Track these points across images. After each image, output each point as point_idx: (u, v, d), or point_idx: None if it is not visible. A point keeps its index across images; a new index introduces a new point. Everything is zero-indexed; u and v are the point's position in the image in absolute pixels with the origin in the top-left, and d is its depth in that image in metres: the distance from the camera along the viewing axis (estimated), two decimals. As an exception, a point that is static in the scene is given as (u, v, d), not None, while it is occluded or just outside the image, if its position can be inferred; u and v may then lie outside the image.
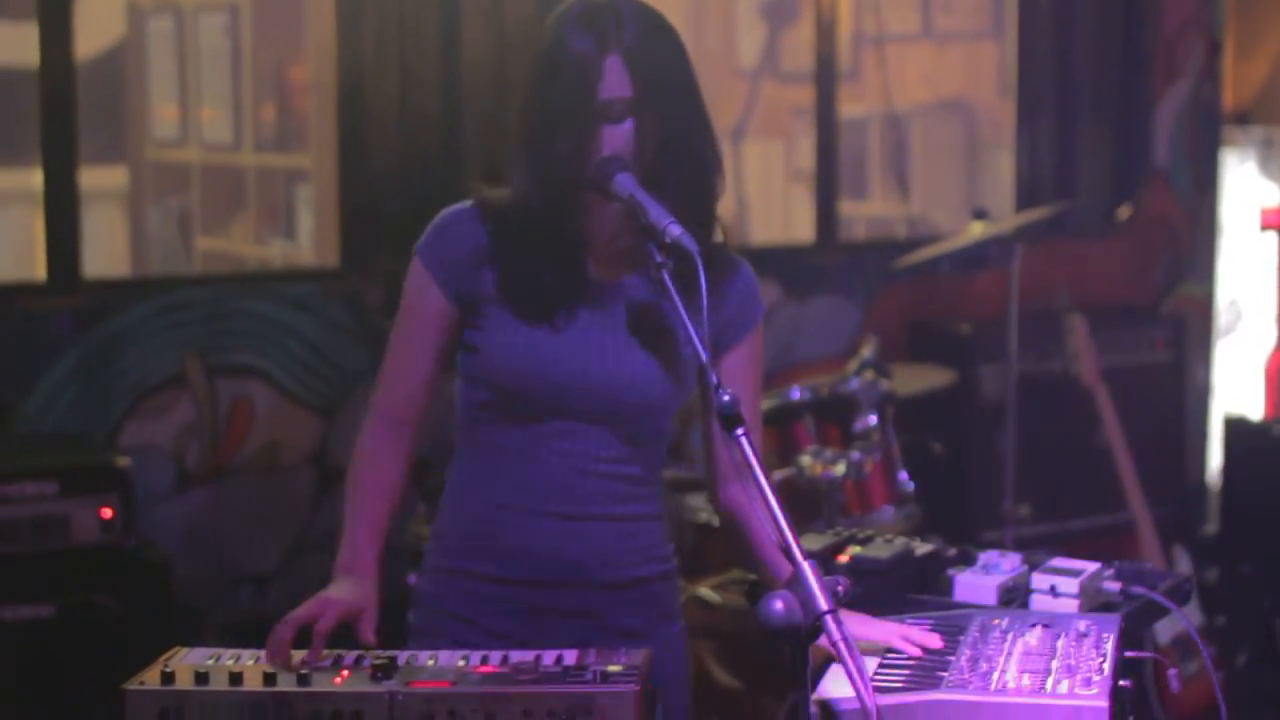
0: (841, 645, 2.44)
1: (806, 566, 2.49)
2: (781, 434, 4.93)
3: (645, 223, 2.78)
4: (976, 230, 5.62)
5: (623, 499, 3.05)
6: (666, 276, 2.76)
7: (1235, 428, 6.94)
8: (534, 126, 2.93)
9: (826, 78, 6.79)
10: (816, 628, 2.47)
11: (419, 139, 5.69)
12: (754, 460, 2.57)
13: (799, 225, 7.36)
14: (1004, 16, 7.65)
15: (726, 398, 2.60)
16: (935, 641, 2.89)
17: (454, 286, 3.02)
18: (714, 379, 2.65)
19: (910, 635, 2.90)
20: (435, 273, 3.03)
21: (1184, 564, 5.97)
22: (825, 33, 6.75)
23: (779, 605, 2.47)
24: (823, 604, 2.46)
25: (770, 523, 2.56)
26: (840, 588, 2.51)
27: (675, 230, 2.74)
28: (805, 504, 4.76)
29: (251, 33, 7.21)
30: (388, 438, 3.08)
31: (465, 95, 5.71)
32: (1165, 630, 5.39)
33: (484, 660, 2.66)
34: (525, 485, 3.02)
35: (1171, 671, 3.25)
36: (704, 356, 2.69)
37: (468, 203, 3.06)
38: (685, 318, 2.72)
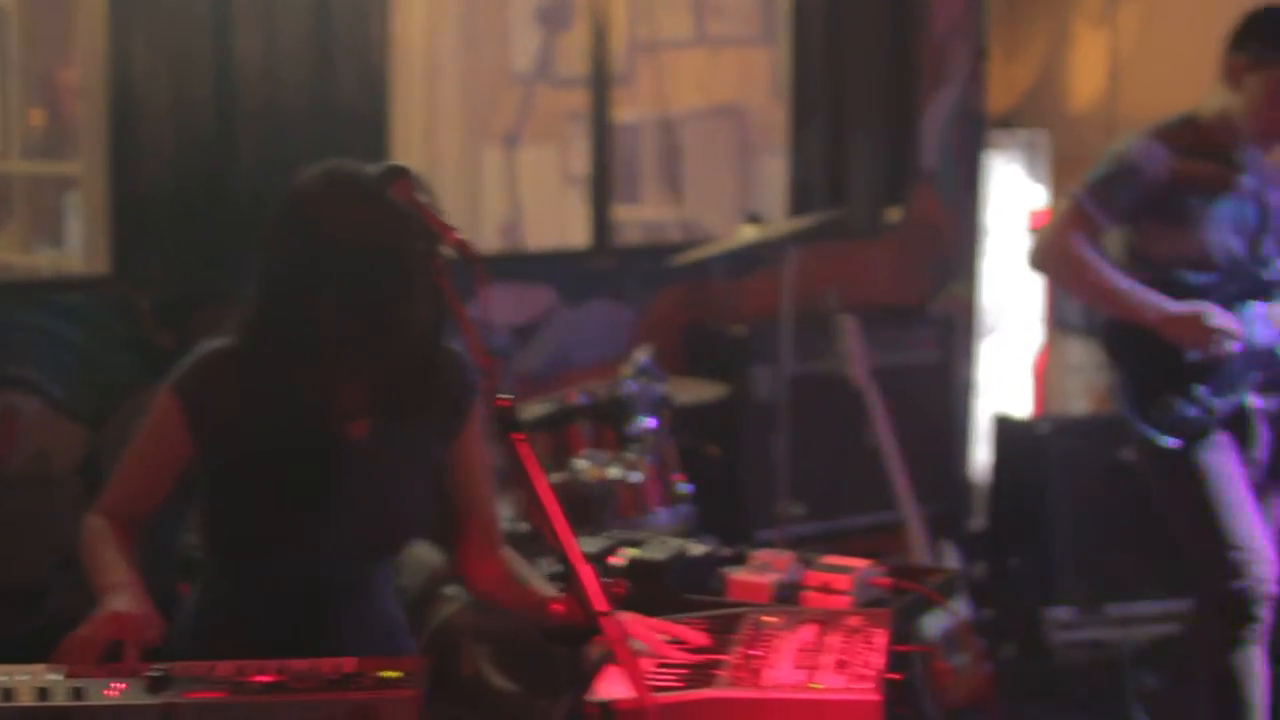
0: (619, 646, 2.47)
1: (583, 569, 2.52)
2: (557, 438, 4.95)
3: (426, 228, 2.80)
4: (749, 233, 5.69)
5: (373, 593, 3.16)
6: (448, 283, 2.78)
7: (1003, 426, 7.08)
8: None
9: (600, 83, 6.82)
10: (594, 629, 2.50)
11: (191, 146, 5.62)
12: (529, 466, 2.59)
13: (574, 230, 7.39)
14: (776, 22, 7.73)
15: (505, 402, 2.62)
16: (705, 639, 2.93)
17: (207, 435, 3.00)
18: (491, 386, 2.66)
19: (682, 634, 2.94)
20: (190, 416, 3.00)
21: (951, 560, 6.09)
22: (599, 38, 6.78)
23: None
24: (600, 605, 2.49)
25: (548, 528, 2.58)
26: (617, 590, 2.54)
27: (457, 235, 2.76)
28: (580, 507, 4.78)
29: (19, 36, 7.06)
30: (112, 526, 3.06)
31: (238, 102, 5.66)
32: (934, 625, 5.48)
33: (261, 670, 2.65)
34: (271, 616, 3.07)
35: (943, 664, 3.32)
36: (482, 365, 2.70)
37: (228, 343, 3.03)
38: (465, 323, 2.74)
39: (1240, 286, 4.86)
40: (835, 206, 6.87)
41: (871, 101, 7.26)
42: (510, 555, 3.22)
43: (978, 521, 7.52)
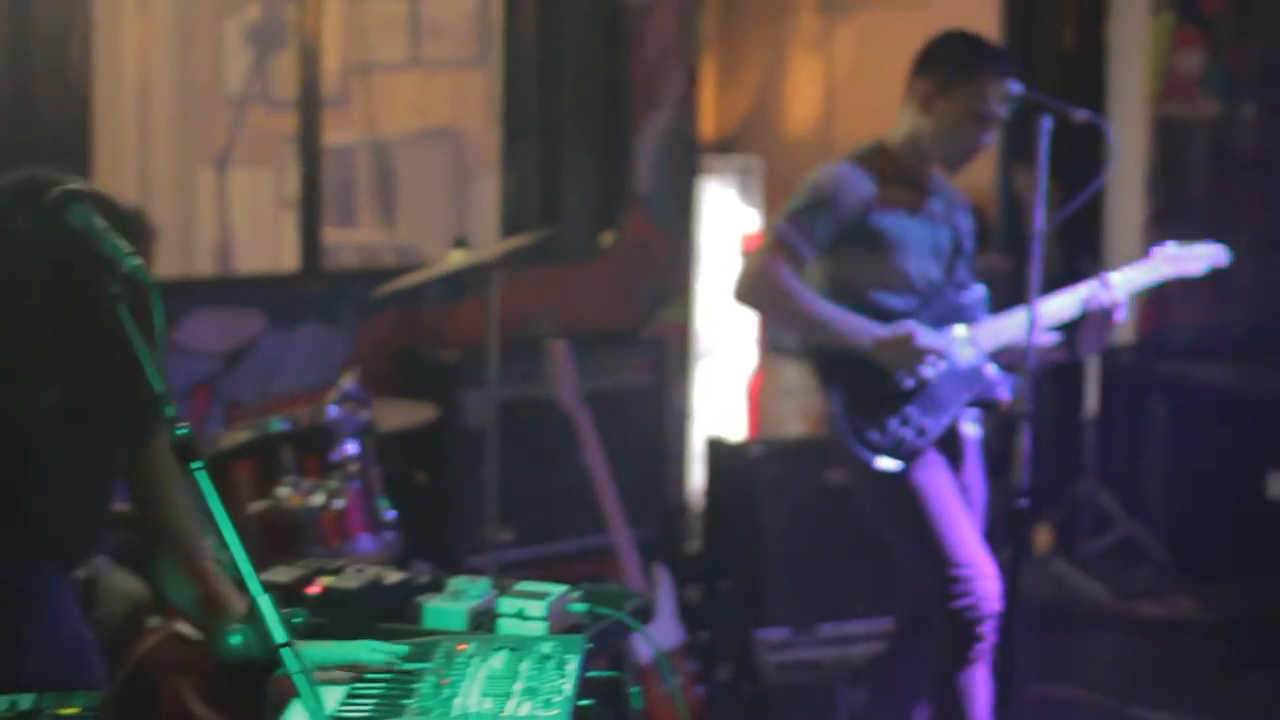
0: (299, 677, 2.43)
1: (263, 600, 2.48)
2: (260, 465, 4.87)
3: (101, 253, 2.73)
4: (457, 258, 5.66)
5: (56, 607, 3.12)
6: (123, 309, 2.72)
7: (715, 449, 7.12)
8: None
9: (310, 105, 6.75)
10: (275, 660, 2.46)
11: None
12: (210, 495, 2.54)
13: (288, 253, 7.31)
14: (491, 44, 7.73)
15: (182, 430, 2.57)
16: (401, 649, 2.90)
17: None
18: (170, 411, 2.61)
19: (376, 647, 2.91)
20: None
21: (664, 583, 6.10)
22: (309, 59, 6.72)
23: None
24: (280, 636, 2.45)
25: (228, 557, 2.53)
26: (297, 620, 2.51)
27: (131, 263, 2.70)
28: (284, 535, 4.71)
29: None
30: None
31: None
32: (643, 649, 5.49)
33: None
34: None
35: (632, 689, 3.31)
36: (159, 388, 2.64)
37: None
38: (143, 350, 2.68)
39: (939, 310, 4.94)
40: (548, 229, 6.87)
41: (584, 124, 7.28)
42: (212, 577, 3.16)
43: (693, 544, 7.56)
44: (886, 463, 4.86)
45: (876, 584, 6.31)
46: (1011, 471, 4.61)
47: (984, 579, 4.82)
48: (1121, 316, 4.99)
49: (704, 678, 6.34)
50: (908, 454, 4.87)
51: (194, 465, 2.55)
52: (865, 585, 6.55)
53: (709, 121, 8.43)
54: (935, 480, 4.90)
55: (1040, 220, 4.61)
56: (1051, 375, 8.12)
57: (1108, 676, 6.89)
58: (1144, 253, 5.22)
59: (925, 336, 4.82)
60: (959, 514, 4.90)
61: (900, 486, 4.88)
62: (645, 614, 3.39)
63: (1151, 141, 8.48)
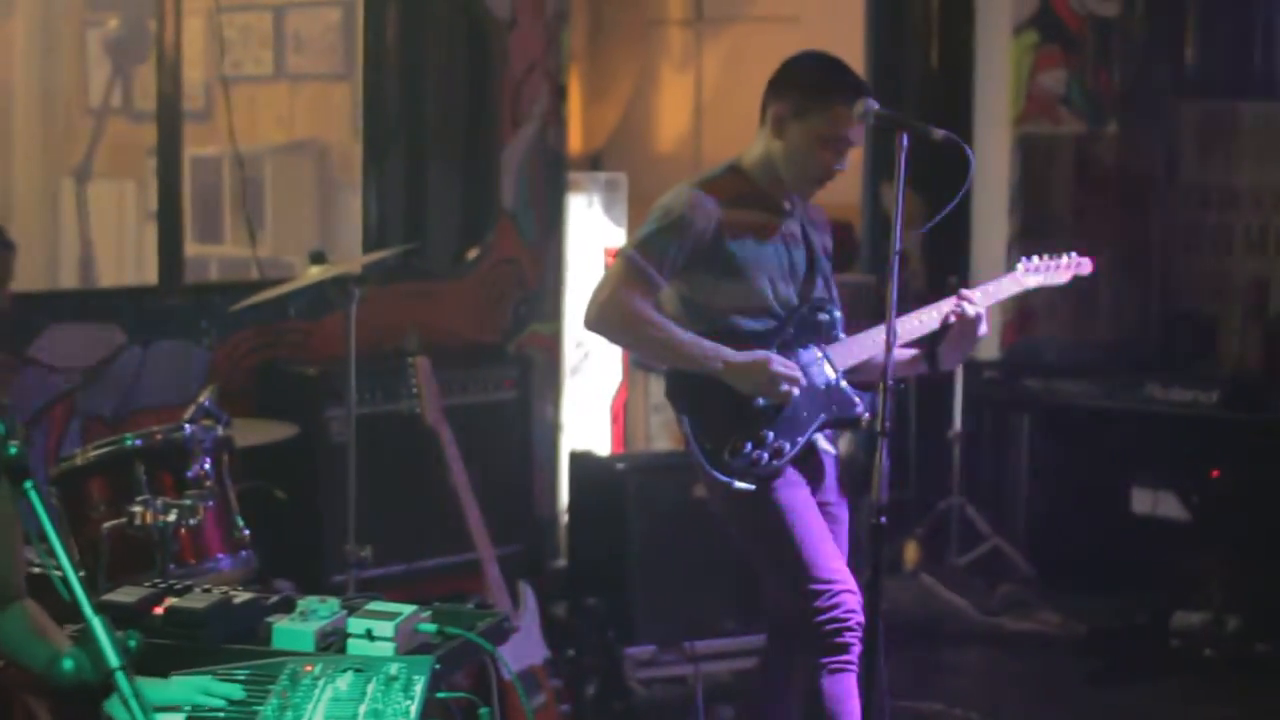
0: (132, 702, 2.38)
1: (97, 622, 2.43)
2: (114, 482, 4.78)
3: None
4: (314, 273, 5.60)
5: None
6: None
7: (580, 463, 7.09)
8: None
9: (170, 117, 6.67)
10: (109, 685, 2.41)
11: None
12: (40, 515, 2.49)
13: (151, 267, 7.22)
14: (355, 58, 7.68)
15: (12, 449, 2.51)
16: (236, 692, 2.85)
17: None
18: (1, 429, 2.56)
19: (210, 689, 2.86)
20: None
21: (528, 599, 6.06)
22: (168, 72, 6.63)
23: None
24: (113, 660, 2.40)
25: (60, 578, 2.48)
26: (132, 642, 2.46)
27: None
28: (139, 554, 4.62)
29: None
30: None
31: None
32: (507, 666, 5.45)
33: None
34: None
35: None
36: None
37: None
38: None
39: (796, 331, 4.87)
40: (413, 244, 6.83)
41: (450, 139, 7.25)
42: (32, 609, 3.09)
43: (561, 560, 7.53)
44: (742, 484, 4.78)
45: (744, 599, 6.30)
46: (872, 489, 4.57)
47: (846, 590, 4.78)
48: (984, 330, 4.99)
49: (570, 695, 6.30)
50: (764, 475, 4.80)
51: (25, 485, 2.49)
52: (733, 601, 6.54)
53: (575, 137, 8.40)
54: (794, 496, 4.84)
55: (899, 238, 4.57)
56: (918, 392, 8.15)
57: (974, 691, 6.93)
58: (1009, 270, 5.23)
59: (779, 363, 4.76)
60: (819, 528, 4.85)
61: (759, 504, 4.81)
62: (498, 633, 3.35)
63: (1015, 160, 8.55)
